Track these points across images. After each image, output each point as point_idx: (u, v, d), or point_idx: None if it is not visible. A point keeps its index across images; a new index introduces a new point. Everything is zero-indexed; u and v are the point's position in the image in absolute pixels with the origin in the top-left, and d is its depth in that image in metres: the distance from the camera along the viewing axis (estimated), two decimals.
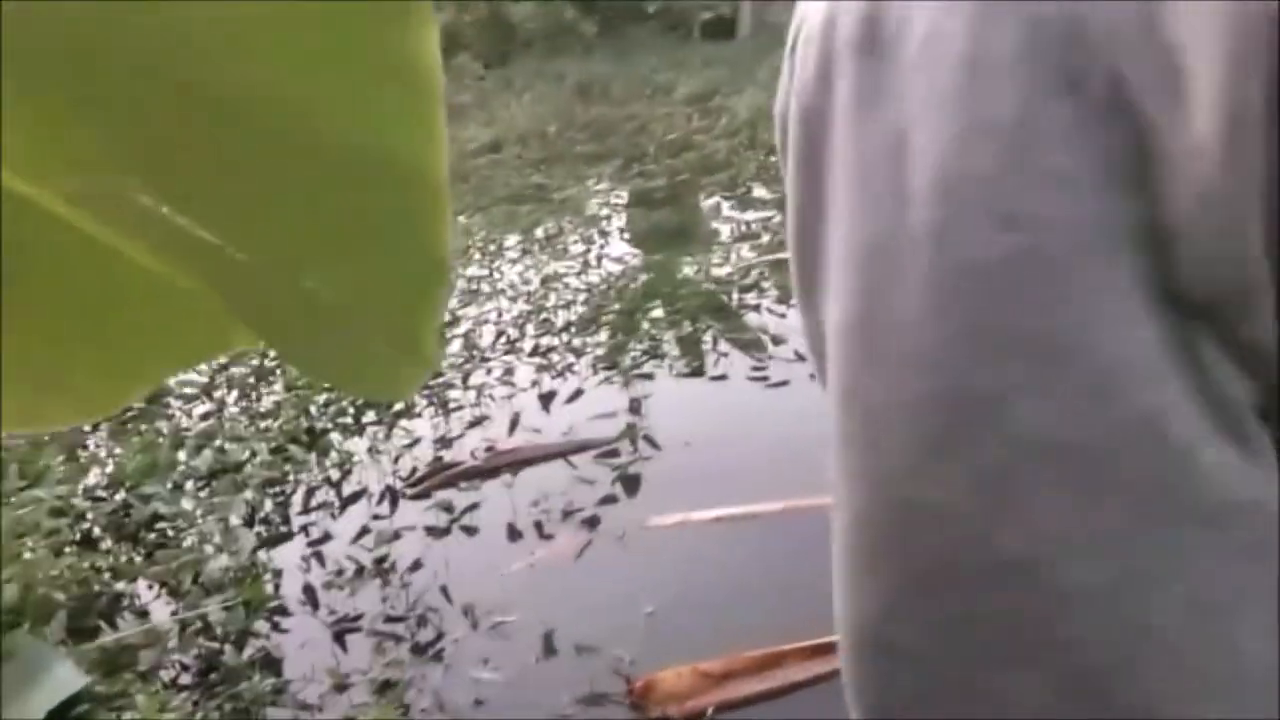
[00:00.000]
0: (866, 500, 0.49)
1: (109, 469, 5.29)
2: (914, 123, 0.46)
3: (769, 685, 3.55)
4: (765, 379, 5.81)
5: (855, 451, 0.49)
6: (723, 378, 5.92)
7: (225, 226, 0.59)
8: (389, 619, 4.15)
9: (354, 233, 0.61)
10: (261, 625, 4.15)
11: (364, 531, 4.85)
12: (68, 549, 4.54)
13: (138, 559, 4.58)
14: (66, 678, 3.31)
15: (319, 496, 5.28)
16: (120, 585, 4.32)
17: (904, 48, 0.46)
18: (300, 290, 0.62)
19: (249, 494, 5.10)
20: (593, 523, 4.64)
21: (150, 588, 4.40)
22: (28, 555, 4.33)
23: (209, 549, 4.46)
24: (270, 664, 3.90)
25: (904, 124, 0.46)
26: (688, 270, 7.84)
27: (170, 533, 4.72)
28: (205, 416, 6.10)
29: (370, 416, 5.96)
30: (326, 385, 6.13)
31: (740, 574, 4.15)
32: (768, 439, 5.06)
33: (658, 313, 7.03)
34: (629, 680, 3.56)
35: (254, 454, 5.44)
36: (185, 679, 3.85)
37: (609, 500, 4.80)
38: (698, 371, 6.03)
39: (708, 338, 6.48)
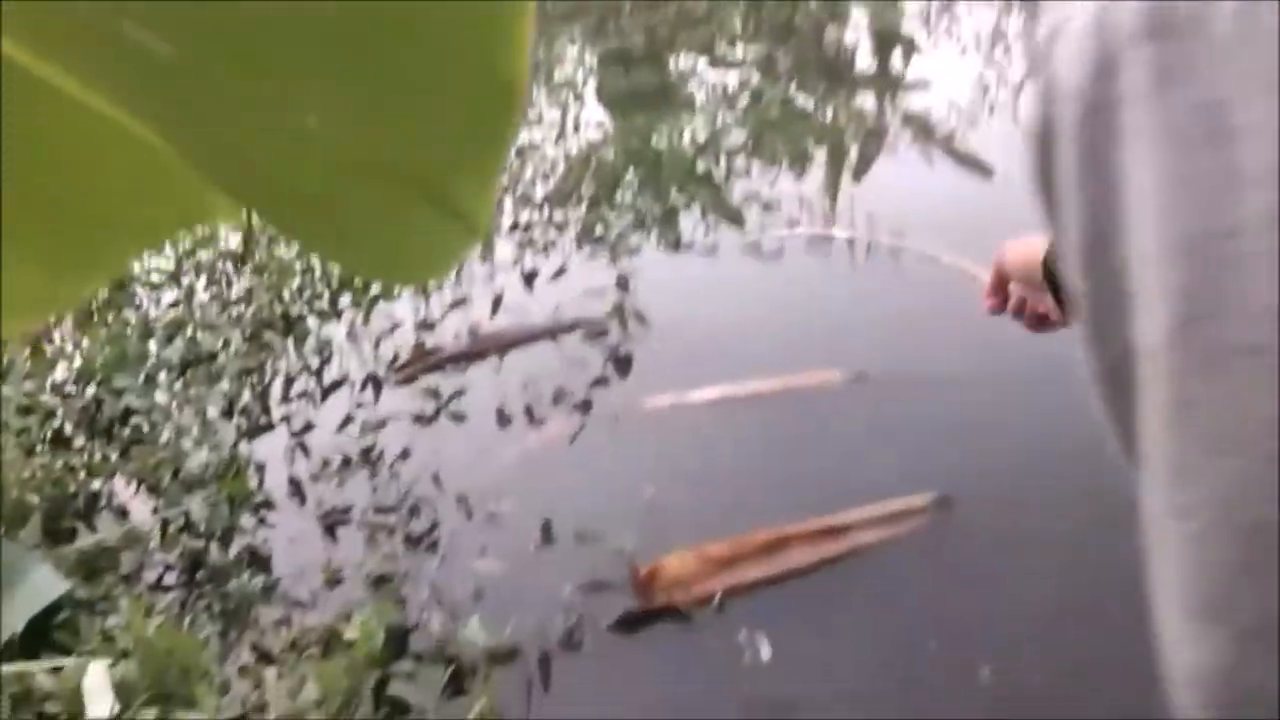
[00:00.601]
0: (1212, 532, 0.44)
1: (76, 363, 5.07)
2: (1236, 100, 0.43)
3: (776, 569, 3.46)
4: (758, 249, 5.61)
5: (1195, 479, 0.44)
6: (713, 250, 5.72)
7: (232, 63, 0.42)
8: (379, 510, 4.01)
9: (400, 61, 0.43)
10: (247, 521, 4.01)
11: (348, 420, 4.68)
12: (39, 448, 4.35)
13: (113, 456, 4.40)
14: (46, 583, 3.16)
15: (299, 385, 5.09)
16: (96, 484, 4.15)
17: (1212, 24, 0.44)
18: (322, 142, 0.46)
19: (225, 385, 4.90)
20: (585, 406, 4.49)
21: (128, 485, 4.24)
22: None
23: (187, 444, 4.28)
24: (258, 561, 3.77)
25: (1221, 101, 0.44)
26: (668, 136, 7.54)
27: (145, 428, 4.53)
28: (174, 305, 5.85)
29: (347, 300, 5.74)
30: (302, 269, 5.89)
31: (740, 455, 4.03)
32: (763, 313, 4.90)
33: (639, 182, 6.76)
34: (632, 567, 3.45)
35: (228, 343, 5.22)
36: (170, 580, 3.72)
37: (601, 382, 4.64)
38: (687, 244, 5.82)
39: (695, 208, 6.24)
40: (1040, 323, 1.25)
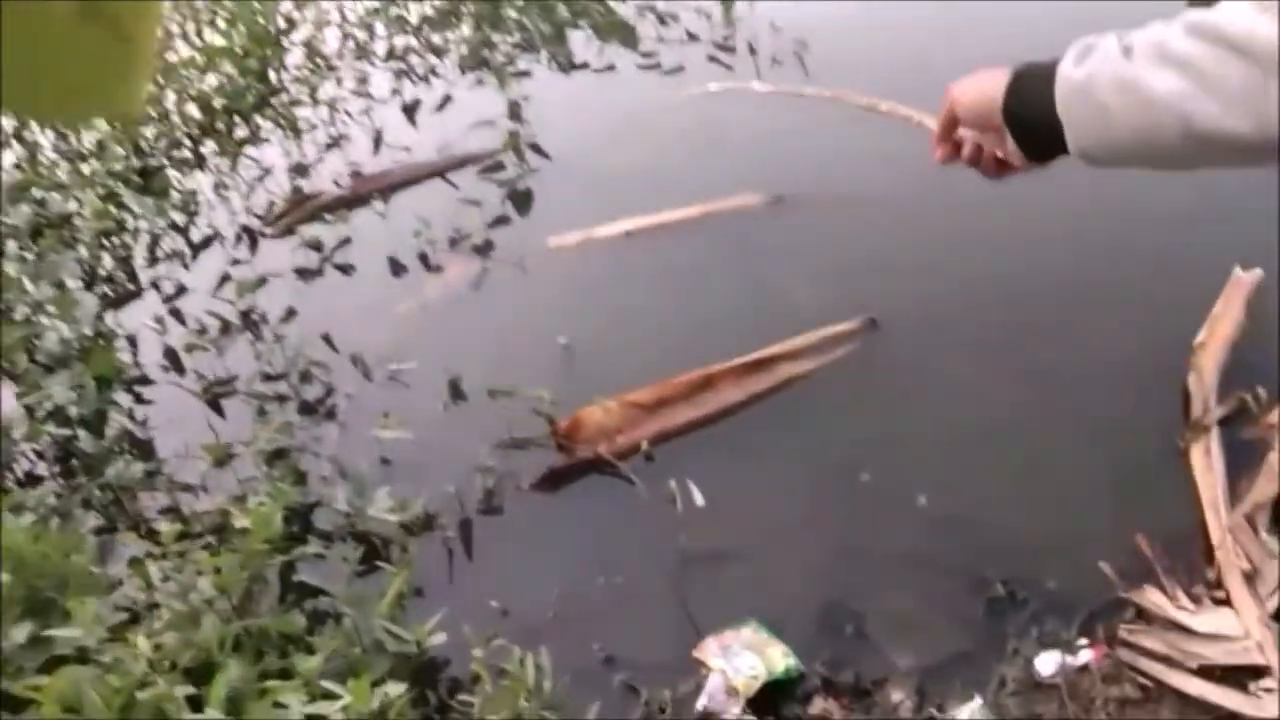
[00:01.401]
0: None
1: None
2: None
3: (703, 411, 3.24)
4: (657, 66, 5.20)
5: None
6: (610, 69, 5.29)
7: None
8: (267, 378, 3.66)
9: None
10: (122, 400, 3.64)
11: (224, 280, 4.26)
12: None
13: None
14: None
15: (165, 245, 4.63)
16: None
17: None
18: None
19: (82, 251, 4.42)
20: (485, 249, 4.14)
21: None
22: None
23: (44, 320, 3.83)
24: (137, 445, 3.42)
25: None
26: None
27: None
28: (17, 167, 5.25)
29: (211, 147, 5.21)
30: (157, 115, 5.32)
31: (658, 292, 3.75)
32: (671, 135, 4.55)
33: None
34: (551, 420, 3.20)
35: (80, 204, 4.70)
36: (42, 471, 3.37)
37: (501, 222, 4.28)
38: (580, 65, 5.37)
39: (584, 24, 5.76)
40: (1000, 168, 1.15)
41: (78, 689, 2.10)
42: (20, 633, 2.33)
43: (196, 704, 2.11)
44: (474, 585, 2.84)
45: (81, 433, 3.24)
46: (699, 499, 2.93)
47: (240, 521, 2.61)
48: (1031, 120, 1.04)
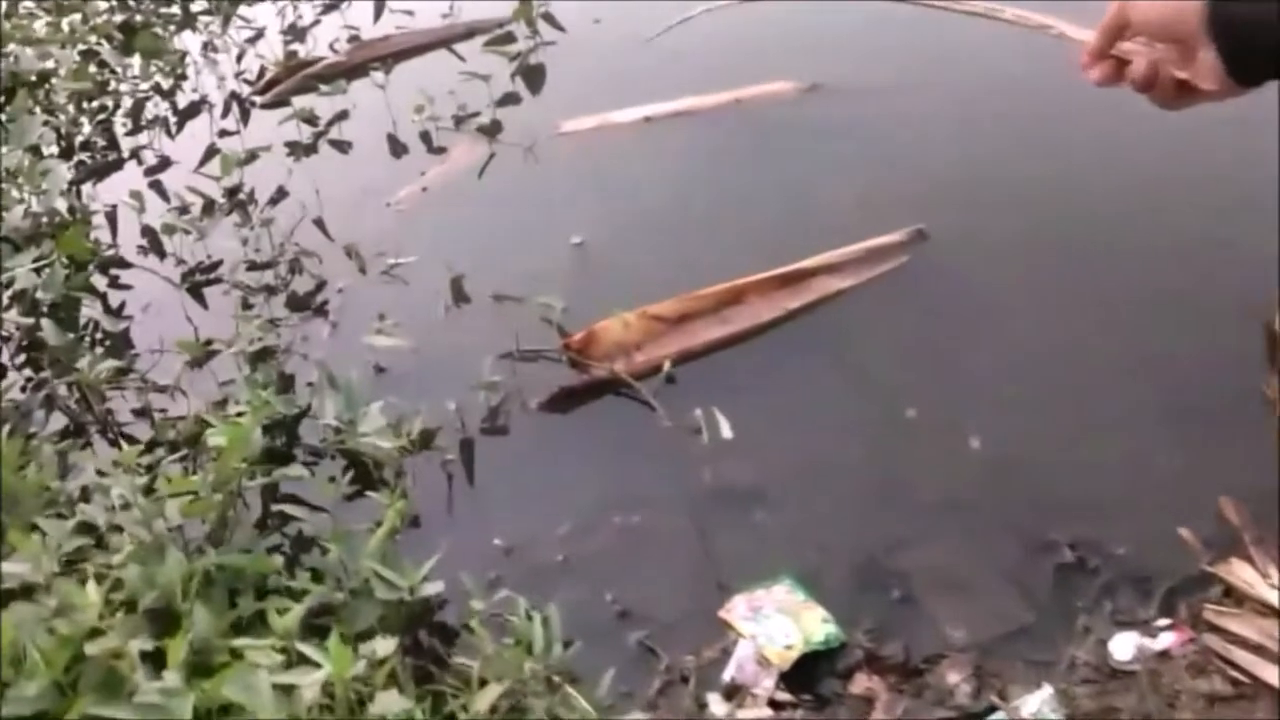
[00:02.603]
0: None
1: None
2: None
3: (731, 328, 2.93)
4: None
5: None
6: None
7: None
8: (253, 266, 3.35)
9: None
10: (96, 284, 3.32)
11: (211, 153, 3.90)
12: None
13: None
14: None
15: (149, 111, 4.25)
16: None
17: None
18: None
19: (58, 116, 4.04)
20: (492, 130, 3.77)
21: None
22: None
23: (12, 191, 3.48)
24: (109, 339, 3.12)
25: None
26: None
27: None
28: None
29: (201, 4, 4.76)
30: None
31: (680, 190, 3.39)
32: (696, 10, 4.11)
33: None
34: (563, 332, 2.89)
35: (57, 62, 4.28)
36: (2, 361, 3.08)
37: (509, 100, 3.89)
38: None
39: None
40: (1181, 93, 0.90)
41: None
42: None
43: (157, 659, 1.86)
44: (474, 516, 2.57)
45: (47, 322, 2.93)
46: (726, 430, 2.65)
47: (215, 438, 2.32)
48: (1250, 26, 0.81)
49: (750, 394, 2.77)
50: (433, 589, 2.10)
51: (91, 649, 1.82)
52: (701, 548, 2.38)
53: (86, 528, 2.29)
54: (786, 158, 3.41)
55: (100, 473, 2.40)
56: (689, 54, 3.85)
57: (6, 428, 2.49)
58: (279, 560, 2.20)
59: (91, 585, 1.92)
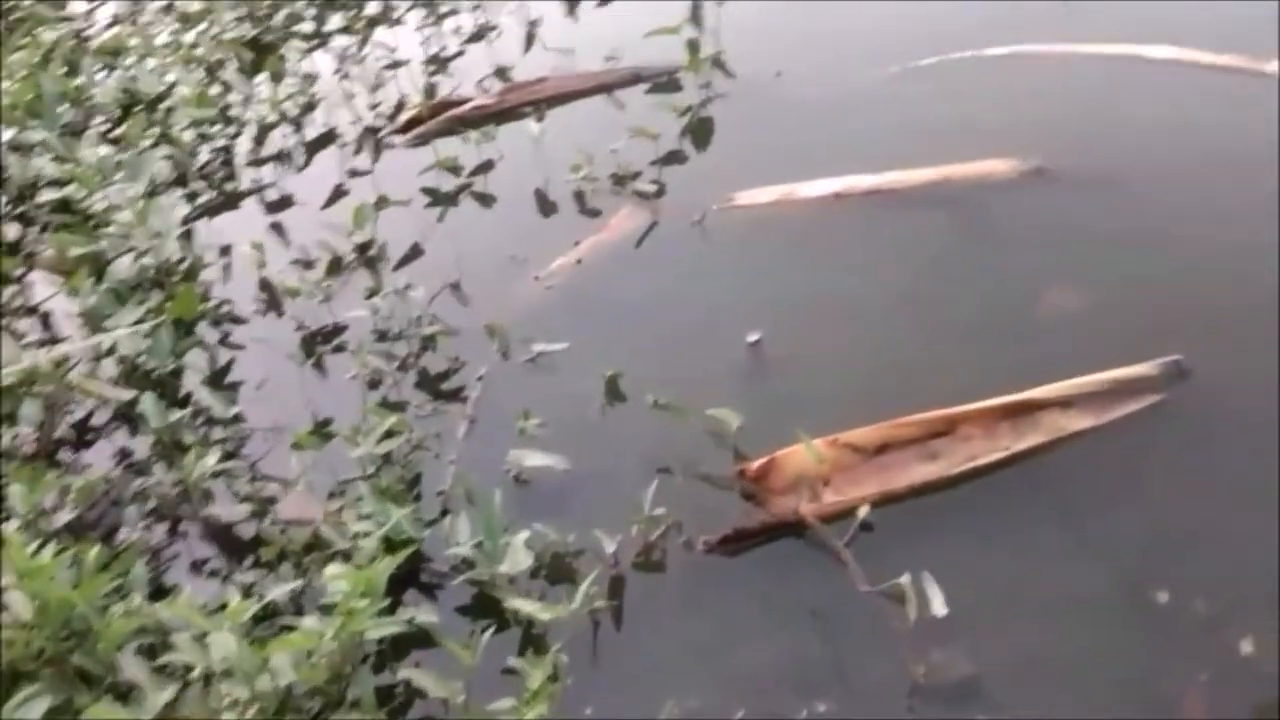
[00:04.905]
0: None
1: None
2: None
3: (941, 468, 2.44)
4: None
5: None
6: None
7: None
8: (382, 337, 2.96)
9: None
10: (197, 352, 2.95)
11: (338, 194, 3.55)
12: None
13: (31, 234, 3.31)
14: None
15: (274, 141, 3.90)
16: None
17: None
18: None
19: (175, 140, 3.70)
20: (655, 194, 3.33)
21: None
22: None
23: (115, 229, 3.12)
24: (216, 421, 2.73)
25: None
26: None
27: (68, 199, 3.39)
28: (114, 21, 4.55)
29: (335, 22, 4.43)
30: None
31: (878, 284, 2.91)
32: (899, 69, 3.63)
33: None
34: (739, 454, 2.44)
35: (179, 82, 3.97)
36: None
37: (675, 159, 3.45)
38: None
39: None
40: None
41: None
42: None
43: None
44: (622, 678, 2.13)
45: (149, 396, 2.56)
46: (939, 605, 2.15)
47: (337, 582, 1.92)
48: None
49: (964, 555, 2.28)
50: None
51: None
52: None
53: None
54: (1006, 254, 2.91)
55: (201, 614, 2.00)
56: (887, 118, 3.38)
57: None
58: None
59: None
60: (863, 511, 2.33)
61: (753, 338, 2.76)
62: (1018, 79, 3.46)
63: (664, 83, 3.74)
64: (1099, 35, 3.54)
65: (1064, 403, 2.51)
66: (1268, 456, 2.37)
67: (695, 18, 3.90)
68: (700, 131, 3.53)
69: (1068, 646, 2.13)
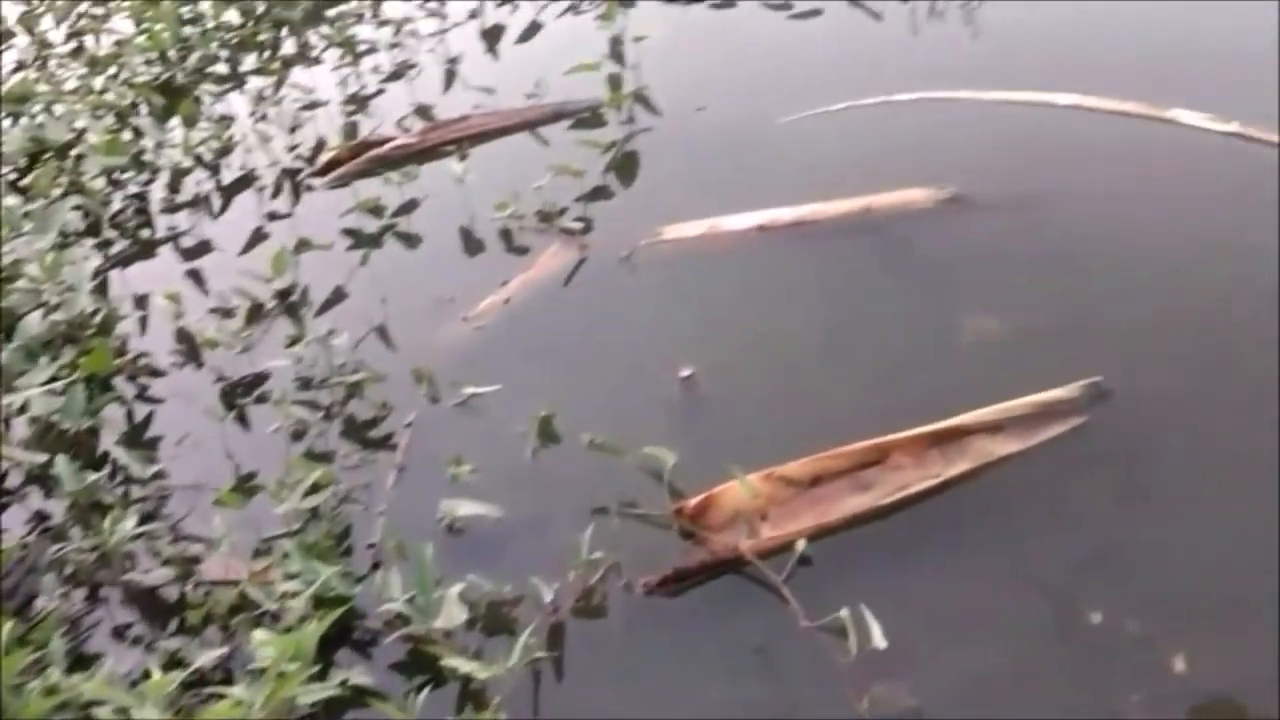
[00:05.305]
0: None
1: None
2: None
3: (874, 497, 2.44)
4: (786, 6, 4.30)
5: None
6: (729, 4, 4.39)
7: None
8: (305, 385, 2.90)
9: None
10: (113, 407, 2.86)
11: (258, 238, 3.48)
12: None
13: None
14: None
15: (189, 187, 3.82)
16: None
17: None
18: None
19: (85, 187, 3.61)
20: (581, 231, 3.32)
21: None
22: None
23: (24, 283, 3.03)
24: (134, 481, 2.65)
25: None
26: None
27: None
28: (20, 66, 4.43)
29: (250, 63, 4.37)
30: (187, 16, 4.47)
31: (805, 315, 2.93)
32: (810, 95, 3.67)
33: None
34: (675, 492, 2.42)
35: (88, 129, 3.87)
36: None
37: (600, 194, 3.45)
38: None
39: None
40: None
41: None
42: None
43: None
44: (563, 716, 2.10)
45: (62, 459, 2.47)
46: (879, 637, 2.15)
47: (265, 649, 1.86)
48: None
49: (901, 585, 2.28)
50: None
51: None
52: None
53: None
54: (928, 282, 2.94)
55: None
56: (806, 153, 3.41)
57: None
58: None
59: None
60: (800, 545, 2.33)
61: (685, 373, 2.75)
62: (929, 118, 3.51)
63: (587, 118, 3.73)
64: (1005, 85, 3.61)
65: (991, 428, 2.54)
66: (1189, 473, 2.42)
67: (616, 54, 3.92)
68: (625, 167, 3.52)
69: (1005, 672, 2.14)
